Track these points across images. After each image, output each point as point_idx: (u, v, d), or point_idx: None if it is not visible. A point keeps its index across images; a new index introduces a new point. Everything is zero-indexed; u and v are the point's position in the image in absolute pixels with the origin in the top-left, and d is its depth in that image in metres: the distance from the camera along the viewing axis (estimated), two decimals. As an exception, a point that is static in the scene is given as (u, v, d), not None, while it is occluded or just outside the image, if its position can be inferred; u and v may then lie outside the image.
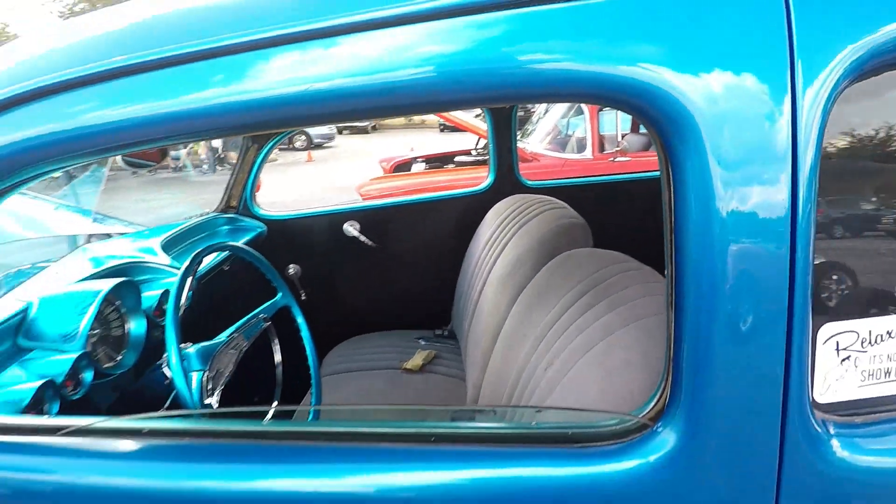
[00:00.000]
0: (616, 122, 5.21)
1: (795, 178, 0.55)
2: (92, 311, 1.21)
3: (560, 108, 5.47)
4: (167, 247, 1.81)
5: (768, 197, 0.56)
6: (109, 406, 1.32)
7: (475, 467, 0.66)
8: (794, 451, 0.61)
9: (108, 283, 1.30)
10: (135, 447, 0.74)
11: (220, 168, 11.48)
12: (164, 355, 1.23)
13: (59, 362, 1.13)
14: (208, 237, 2.06)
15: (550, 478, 0.65)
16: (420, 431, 0.70)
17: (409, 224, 2.33)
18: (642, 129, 4.41)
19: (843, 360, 0.62)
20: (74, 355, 1.15)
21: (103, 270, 1.49)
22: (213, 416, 1.15)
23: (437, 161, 6.09)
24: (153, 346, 1.42)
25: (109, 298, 1.30)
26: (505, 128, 2.29)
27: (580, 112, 5.11)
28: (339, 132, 17.58)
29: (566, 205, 1.76)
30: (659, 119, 0.57)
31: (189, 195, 9.29)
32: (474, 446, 0.68)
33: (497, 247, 1.75)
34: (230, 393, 1.24)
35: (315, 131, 15.21)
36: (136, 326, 1.39)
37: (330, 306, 2.17)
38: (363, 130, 19.03)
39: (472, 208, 2.20)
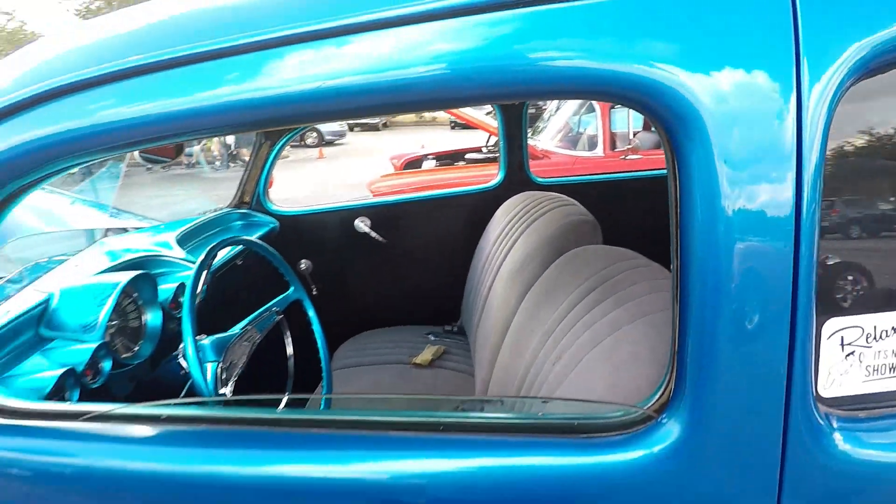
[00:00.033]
0: (628, 120, 5.16)
1: (800, 174, 0.56)
2: (111, 302, 1.24)
3: (571, 106, 5.43)
4: (182, 241, 1.84)
5: (773, 193, 0.57)
6: (126, 396, 1.35)
7: (482, 456, 0.68)
8: (796, 444, 0.62)
9: (125, 276, 1.33)
10: (153, 432, 0.76)
11: (232, 165, 11.58)
12: (180, 346, 1.26)
13: (79, 352, 1.17)
14: (222, 232, 2.09)
15: (556, 467, 0.66)
16: (429, 420, 0.72)
17: (420, 220, 2.35)
18: (654, 127, 4.37)
19: (848, 355, 0.63)
20: (94, 345, 1.18)
21: (121, 263, 1.52)
22: (228, 404, 1.18)
23: (448, 158, 6.10)
24: (168, 339, 1.45)
25: (127, 290, 1.33)
26: (515, 125, 2.29)
27: (592, 109, 5.07)
28: (350, 129, 17.63)
29: (576, 202, 1.76)
30: (665, 115, 0.58)
31: (202, 191, 9.38)
32: (481, 435, 0.69)
33: (506, 243, 1.76)
34: (243, 384, 1.27)
35: (326, 128, 15.26)
36: (152, 318, 1.42)
37: (341, 301, 2.20)
38: (374, 128, 19.06)
39: (482, 205, 2.21)
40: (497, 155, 2.44)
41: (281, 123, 0.70)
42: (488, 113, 5.50)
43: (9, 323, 1.15)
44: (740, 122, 0.56)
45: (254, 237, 1.87)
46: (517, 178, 2.31)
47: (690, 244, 0.59)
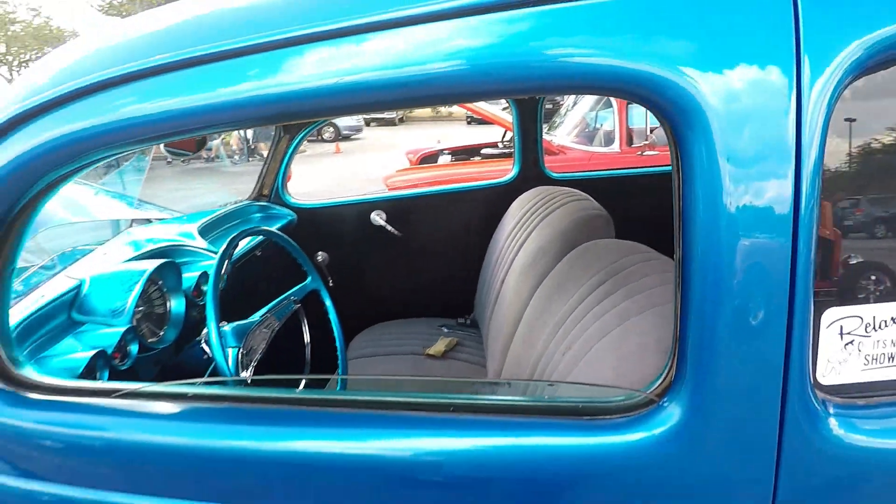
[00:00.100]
0: (645, 116, 5.10)
1: (799, 167, 0.58)
2: (138, 289, 1.30)
3: (588, 101, 5.39)
4: (204, 232, 1.90)
5: (773, 185, 0.59)
6: (152, 379, 1.41)
7: (491, 436, 0.71)
8: (793, 429, 0.64)
9: (151, 264, 1.39)
10: (179, 409, 0.81)
11: (250, 159, 11.72)
12: (203, 332, 1.31)
13: (108, 335, 1.22)
14: (242, 224, 2.15)
15: (562, 447, 0.69)
16: (441, 402, 0.75)
17: (435, 214, 2.37)
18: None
19: (847, 344, 0.65)
20: (122, 329, 1.24)
21: (147, 252, 1.58)
22: (250, 384, 1.22)
23: (464, 153, 6.10)
24: (191, 325, 1.50)
25: (153, 278, 1.39)
26: (531, 120, 2.31)
27: (609, 105, 5.03)
28: (367, 124, 17.68)
29: (589, 197, 1.78)
30: (670, 110, 0.60)
31: (221, 185, 9.52)
32: (491, 416, 0.72)
33: (520, 237, 1.78)
34: (262, 369, 1.31)
35: (343, 123, 15.35)
36: (176, 305, 1.47)
37: (356, 293, 2.24)
38: (391, 122, 19.09)
39: (497, 199, 2.23)
40: (512, 150, 2.46)
41: (300, 117, 0.73)
42: (504, 108, 5.49)
43: (43, 307, 1.21)
44: (742, 117, 0.58)
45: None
46: (532, 174, 2.32)
47: (692, 234, 0.61)
